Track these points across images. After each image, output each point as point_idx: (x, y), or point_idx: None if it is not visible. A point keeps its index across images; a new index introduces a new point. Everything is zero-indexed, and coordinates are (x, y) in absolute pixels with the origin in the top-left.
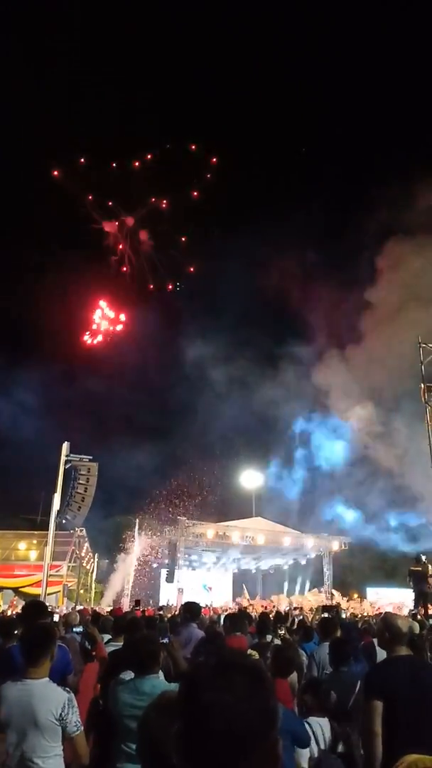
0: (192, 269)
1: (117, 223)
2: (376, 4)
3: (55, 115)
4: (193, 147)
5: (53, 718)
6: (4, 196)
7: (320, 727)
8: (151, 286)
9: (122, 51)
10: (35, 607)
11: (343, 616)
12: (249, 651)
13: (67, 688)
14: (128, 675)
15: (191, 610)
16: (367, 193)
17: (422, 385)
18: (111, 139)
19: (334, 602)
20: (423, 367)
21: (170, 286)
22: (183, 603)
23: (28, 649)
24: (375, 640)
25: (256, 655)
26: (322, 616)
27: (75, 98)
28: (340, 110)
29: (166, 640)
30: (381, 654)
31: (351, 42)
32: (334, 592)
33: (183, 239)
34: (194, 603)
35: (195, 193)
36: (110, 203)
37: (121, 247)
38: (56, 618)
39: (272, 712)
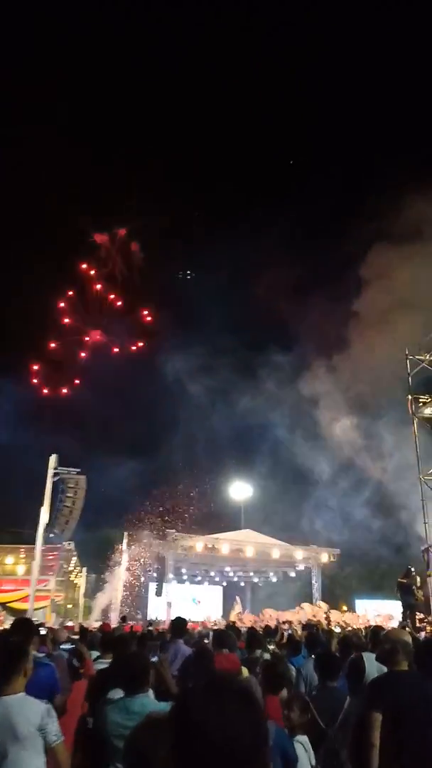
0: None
1: (108, 237)
2: (365, 22)
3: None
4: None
5: (33, 729)
6: None
7: (308, 745)
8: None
9: (118, 63)
10: (22, 626)
11: (338, 630)
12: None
13: (45, 700)
14: (117, 693)
15: (177, 626)
16: (353, 204)
17: (409, 397)
18: (106, 151)
19: (322, 615)
20: (410, 379)
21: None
22: (171, 619)
23: None
24: (363, 654)
25: (246, 671)
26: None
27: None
28: (329, 124)
29: (155, 659)
30: (369, 669)
31: (338, 61)
32: (322, 603)
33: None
34: (181, 619)
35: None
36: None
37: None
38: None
39: (263, 735)
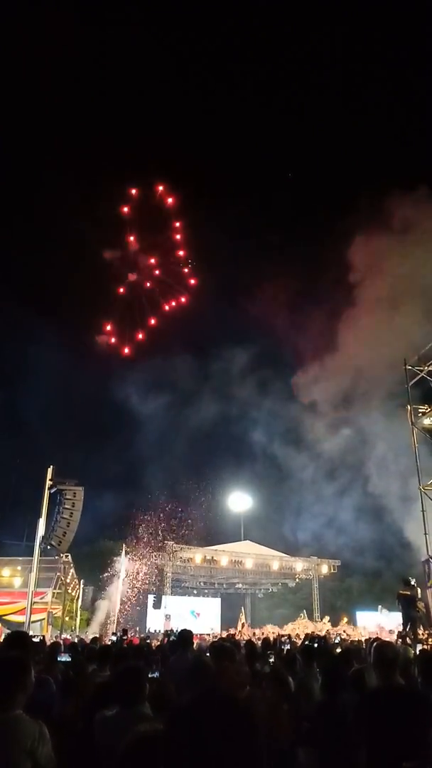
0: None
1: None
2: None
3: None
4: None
5: (24, 753)
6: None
7: None
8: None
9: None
10: (17, 640)
11: (337, 641)
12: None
13: (39, 720)
14: (114, 707)
15: (184, 638)
16: (346, 203)
17: (408, 407)
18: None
19: (323, 628)
20: (409, 389)
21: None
22: (178, 631)
23: None
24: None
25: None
26: (307, 644)
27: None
28: (322, 138)
29: (156, 675)
30: (371, 682)
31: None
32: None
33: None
34: (188, 631)
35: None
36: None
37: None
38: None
39: (259, 750)
